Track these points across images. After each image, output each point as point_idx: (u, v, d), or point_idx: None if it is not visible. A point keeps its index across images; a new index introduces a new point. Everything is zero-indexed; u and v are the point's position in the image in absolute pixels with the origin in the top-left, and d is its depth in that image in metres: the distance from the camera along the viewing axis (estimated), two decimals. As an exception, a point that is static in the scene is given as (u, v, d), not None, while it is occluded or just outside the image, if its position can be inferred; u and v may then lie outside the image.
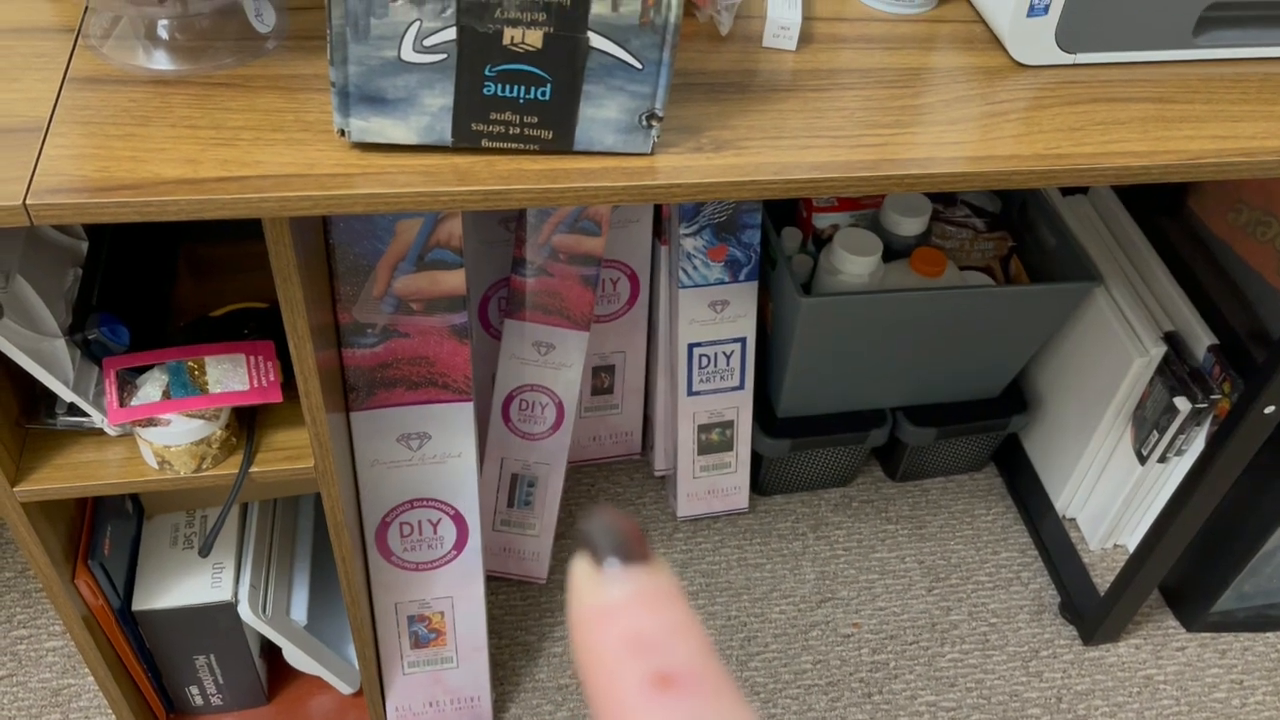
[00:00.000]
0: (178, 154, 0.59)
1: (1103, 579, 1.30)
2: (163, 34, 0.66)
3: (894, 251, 1.20)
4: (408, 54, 0.57)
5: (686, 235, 1.12)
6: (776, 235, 1.17)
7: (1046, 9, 0.70)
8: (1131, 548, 1.30)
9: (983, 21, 0.77)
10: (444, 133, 0.60)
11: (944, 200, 1.27)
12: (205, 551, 0.93)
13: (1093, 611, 1.24)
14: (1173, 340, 1.17)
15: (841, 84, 0.71)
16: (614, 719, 0.18)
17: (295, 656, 1.02)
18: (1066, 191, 1.31)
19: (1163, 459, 1.20)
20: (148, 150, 0.59)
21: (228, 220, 0.61)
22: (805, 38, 0.74)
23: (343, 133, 0.60)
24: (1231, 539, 1.19)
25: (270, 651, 1.08)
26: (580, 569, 0.20)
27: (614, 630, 0.19)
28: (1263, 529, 1.15)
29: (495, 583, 1.25)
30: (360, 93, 0.58)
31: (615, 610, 0.19)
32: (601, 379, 1.29)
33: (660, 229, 1.17)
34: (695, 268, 1.14)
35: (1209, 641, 1.27)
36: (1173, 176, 0.68)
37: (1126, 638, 1.26)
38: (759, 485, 1.35)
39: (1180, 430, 1.16)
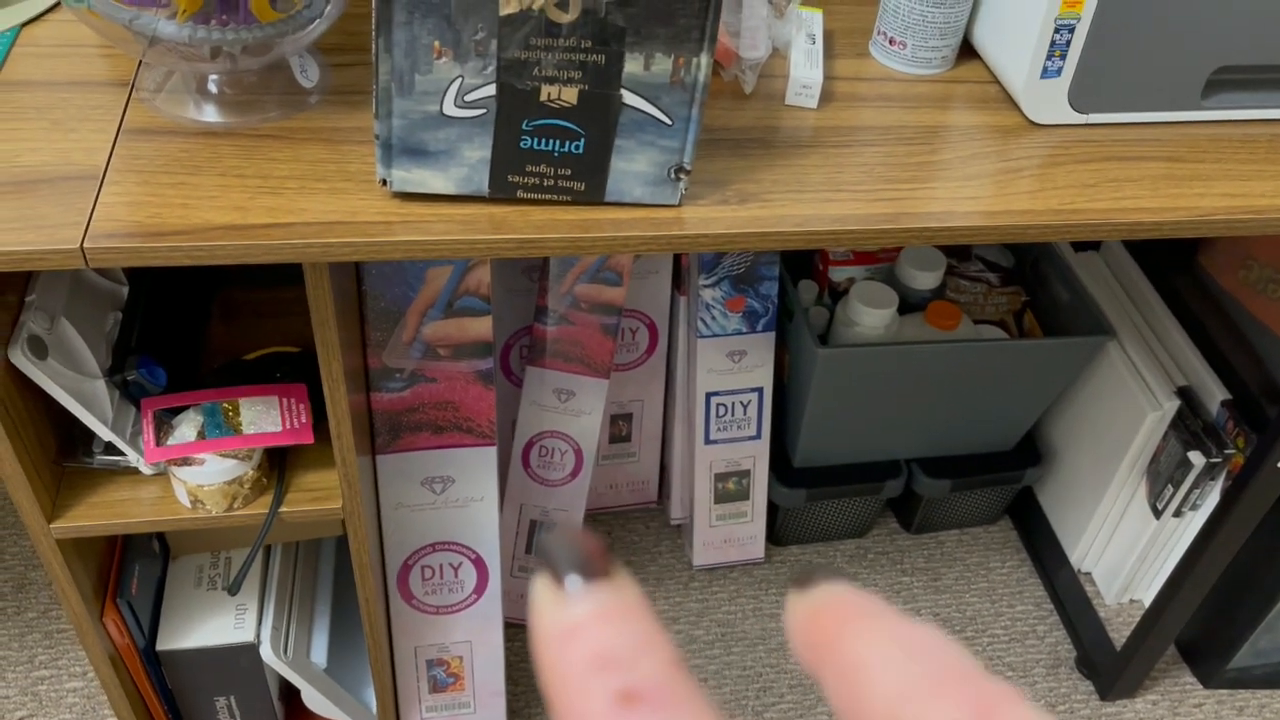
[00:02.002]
0: (227, 202, 0.62)
1: (1119, 634, 1.30)
2: (212, 88, 0.69)
3: (909, 305, 1.22)
4: (449, 109, 0.60)
5: (705, 286, 1.14)
6: (793, 287, 1.20)
7: (1060, 71, 0.73)
8: (1147, 602, 1.30)
9: (997, 82, 0.79)
10: (481, 184, 0.63)
11: (958, 255, 1.30)
12: (234, 590, 0.95)
13: (1109, 666, 1.24)
14: (1186, 395, 1.18)
15: (861, 140, 0.73)
16: None
17: (314, 699, 1.02)
18: (1079, 247, 1.33)
19: (1178, 513, 1.21)
20: (198, 198, 0.62)
21: (262, 268, 0.63)
22: (826, 96, 0.77)
23: (384, 182, 0.63)
24: (1247, 594, 1.19)
25: (289, 694, 1.09)
26: (541, 588, 0.19)
27: (578, 649, 0.18)
28: (1278, 584, 1.16)
29: (512, 629, 1.25)
30: (403, 145, 0.61)
31: (578, 628, 0.18)
32: (619, 427, 1.31)
33: (679, 280, 1.19)
34: (714, 318, 1.16)
35: (1226, 699, 1.26)
36: (1184, 232, 0.70)
37: (1143, 693, 1.26)
38: (775, 535, 1.35)
39: (1195, 485, 1.16)
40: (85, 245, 0.58)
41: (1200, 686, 1.27)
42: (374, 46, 0.57)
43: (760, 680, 1.24)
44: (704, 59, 0.59)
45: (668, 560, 1.35)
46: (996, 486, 1.35)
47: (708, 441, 1.23)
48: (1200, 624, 1.24)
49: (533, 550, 1.21)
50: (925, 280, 1.23)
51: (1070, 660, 1.29)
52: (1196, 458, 1.14)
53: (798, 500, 1.28)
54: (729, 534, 1.31)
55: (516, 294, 1.17)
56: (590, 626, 0.18)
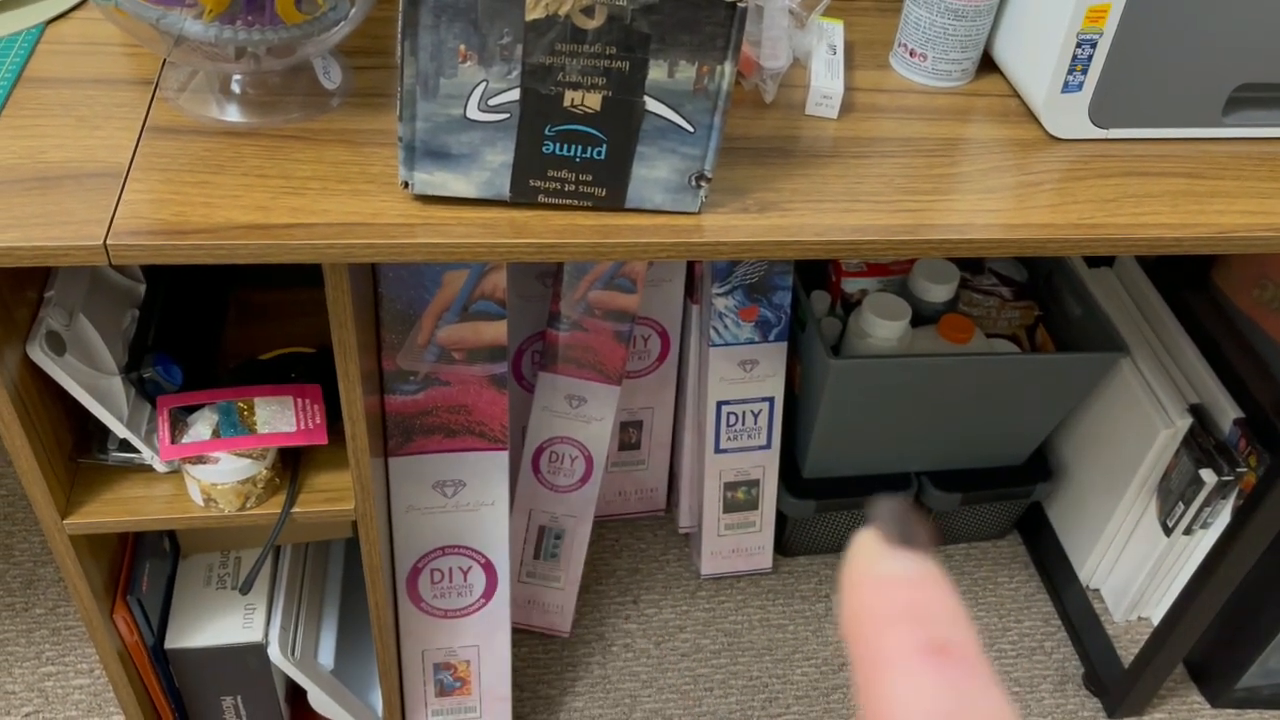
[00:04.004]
0: (249, 201, 0.62)
1: (1127, 651, 1.29)
2: (236, 89, 0.70)
3: (922, 317, 1.22)
4: (473, 112, 0.60)
5: (719, 295, 1.14)
6: (806, 298, 1.20)
7: (1081, 85, 0.73)
8: (1156, 621, 1.30)
9: (1017, 96, 0.80)
10: (503, 188, 0.63)
11: (971, 268, 1.30)
12: (247, 588, 0.95)
13: (1117, 684, 1.23)
14: (1198, 413, 1.18)
15: (881, 152, 0.73)
16: (881, 676, 0.19)
17: (320, 701, 1.02)
18: (1092, 263, 1.33)
19: (1188, 531, 1.20)
20: (221, 197, 0.62)
21: (278, 268, 0.63)
22: (846, 107, 0.77)
23: (406, 185, 0.63)
24: (1257, 614, 1.19)
25: (295, 695, 1.09)
26: (868, 541, 0.21)
27: (895, 597, 0.20)
28: (1289, 604, 1.15)
29: (518, 635, 1.25)
30: (425, 148, 0.61)
31: (898, 581, 0.21)
32: (629, 435, 1.31)
33: (692, 288, 1.19)
34: (726, 327, 1.16)
35: (1234, 718, 1.26)
36: (1204, 249, 0.70)
37: (1151, 712, 1.25)
38: (783, 546, 1.35)
39: (1206, 503, 1.16)
40: (109, 242, 0.58)
41: (1208, 706, 1.27)
42: (400, 49, 0.57)
43: (766, 690, 1.23)
44: (728, 67, 0.60)
45: (675, 569, 1.34)
46: (1006, 501, 1.34)
47: (718, 450, 1.23)
48: (1209, 643, 1.23)
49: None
50: (938, 293, 1.23)
51: (1078, 677, 1.28)
52: (1208, 476, 1.14)
53: (806, 511, 1.27)
54: (737, 543, 1.31)
55: (530, 300, 1.17)
56: (909, 583, 0.21)
